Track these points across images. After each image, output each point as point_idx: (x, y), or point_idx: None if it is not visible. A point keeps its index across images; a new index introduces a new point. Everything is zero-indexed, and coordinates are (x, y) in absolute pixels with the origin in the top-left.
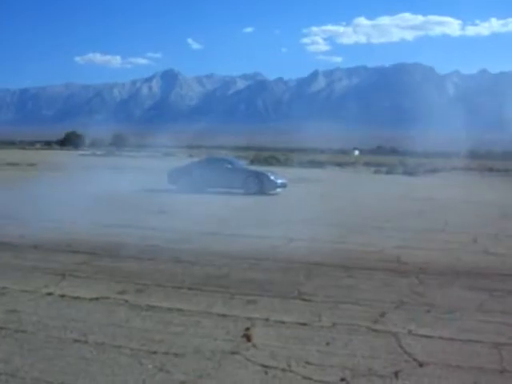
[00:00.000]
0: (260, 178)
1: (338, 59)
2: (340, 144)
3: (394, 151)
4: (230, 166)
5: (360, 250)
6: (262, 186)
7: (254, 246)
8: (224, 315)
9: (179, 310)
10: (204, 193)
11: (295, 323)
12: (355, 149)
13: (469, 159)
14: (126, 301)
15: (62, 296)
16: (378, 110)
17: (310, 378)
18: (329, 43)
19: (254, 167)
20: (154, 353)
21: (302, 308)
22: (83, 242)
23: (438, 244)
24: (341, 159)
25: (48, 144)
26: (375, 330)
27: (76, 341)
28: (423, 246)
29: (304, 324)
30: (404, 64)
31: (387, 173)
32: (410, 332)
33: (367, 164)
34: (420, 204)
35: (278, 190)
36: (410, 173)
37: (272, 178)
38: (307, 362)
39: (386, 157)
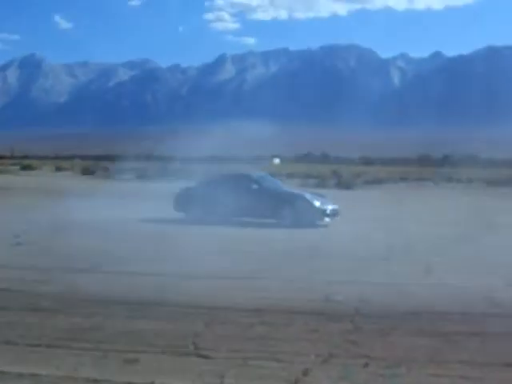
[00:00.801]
0: (295, 203)
1: (251, 40)
2: (256, 150)
3: (325, 158)
4: (255, 186)
5: (280, 287)
6: (297, 215)
7: (139, 285)
8: (95, 380)
9: (34, 375)
10: (221, 224)
11: None
12: (275, 156)
13: (421, 165)
14: None
15: None
16: (302, 105)
17: None
18: (239, 20)
19: (291, 188)
20: None
21: (198, 367)
22: None
23: (380, 276)
24: (257, 169)
25: None
26: None
27: None
28: (362, 279)
29: None
30: (336, 46)
31: (318, 186)
32: None
33: (291, 176)
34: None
35: (327, 219)
36: (345, 185)
37: (315, 202)
38: None
39: (315, 165)
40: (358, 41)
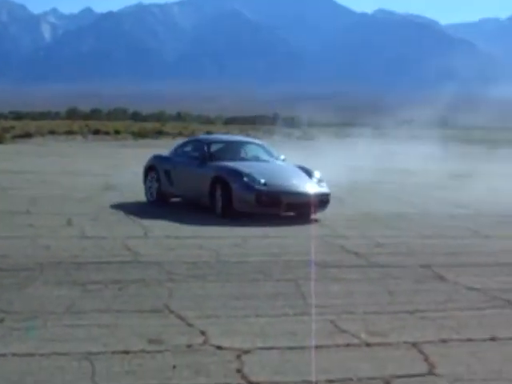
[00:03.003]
0: (228, 183)
1: None
2: None
3: None
4: (197, 155)
5: None
6: (230, 202)
7: None
8: None
9: None
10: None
11: None
12: None
13: (70, 119)
14: None
15: None
16: None
17: None
18: None
19: (242, 160)
20: None
21: None
22: None
23: (21, 230)
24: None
25: None
26: None
27: None
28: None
29: None
30: None
31: None
32: None
33: None
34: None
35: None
36: None
37: (255, 183)
38: None
39: None
40: None
